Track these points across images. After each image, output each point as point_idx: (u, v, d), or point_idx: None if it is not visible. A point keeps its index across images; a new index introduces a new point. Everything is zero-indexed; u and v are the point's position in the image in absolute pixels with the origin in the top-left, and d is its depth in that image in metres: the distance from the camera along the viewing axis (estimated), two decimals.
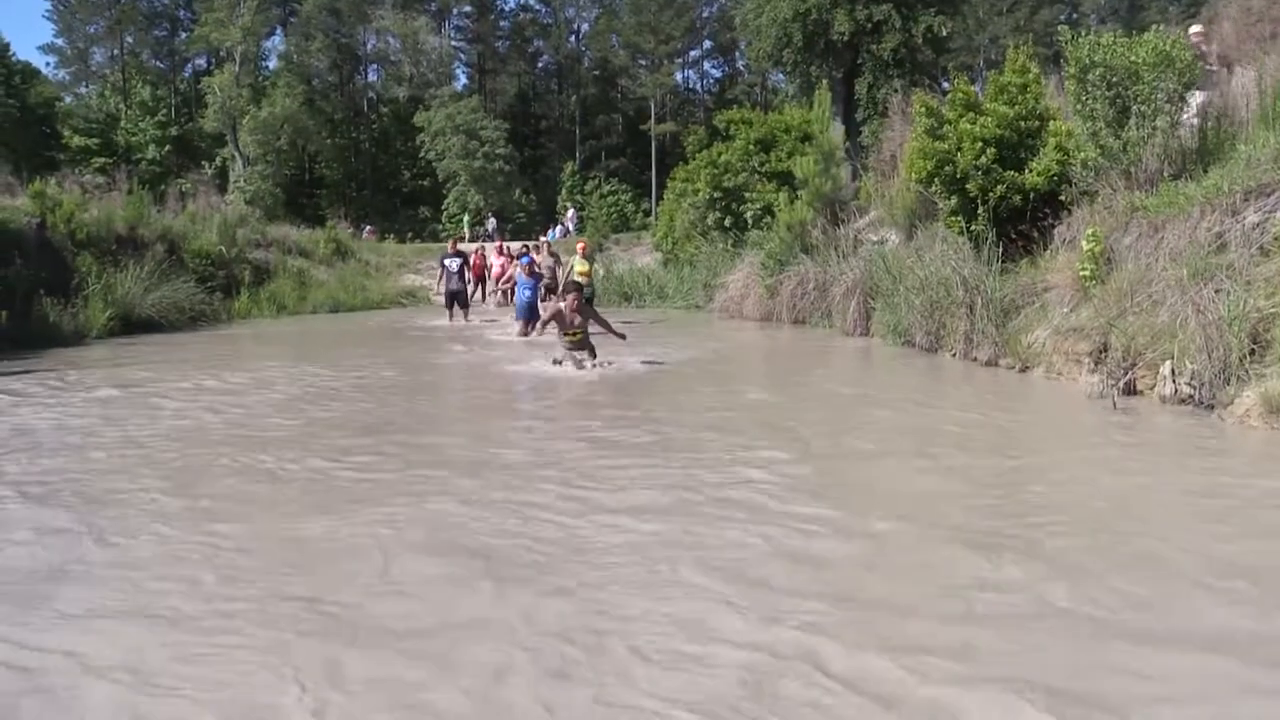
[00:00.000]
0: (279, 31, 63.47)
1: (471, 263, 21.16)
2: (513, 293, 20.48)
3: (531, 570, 3.72)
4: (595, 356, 10.08)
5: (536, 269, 15.38)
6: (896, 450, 5.90)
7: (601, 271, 24.00)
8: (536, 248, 22.60)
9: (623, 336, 10.61)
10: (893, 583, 3.53)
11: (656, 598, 3.38)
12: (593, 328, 10.34)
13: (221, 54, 57.34)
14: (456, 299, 17.99)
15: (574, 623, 3.16)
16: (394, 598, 3.47)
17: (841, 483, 5.16)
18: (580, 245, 17.60)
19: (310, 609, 3.33)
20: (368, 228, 43.73)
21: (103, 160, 49.27)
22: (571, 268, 16.61)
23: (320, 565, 3.84)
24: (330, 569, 3.79)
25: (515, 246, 24.10)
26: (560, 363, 9.91)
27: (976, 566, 3.66)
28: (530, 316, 14.46)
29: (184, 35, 62.40)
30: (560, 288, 16.54)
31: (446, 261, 18.20)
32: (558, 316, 10.03)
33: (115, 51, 62.33)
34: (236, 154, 51.97)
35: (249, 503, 4.82)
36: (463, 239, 33.10)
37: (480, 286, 22.83)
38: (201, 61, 63.65)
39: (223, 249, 20.57)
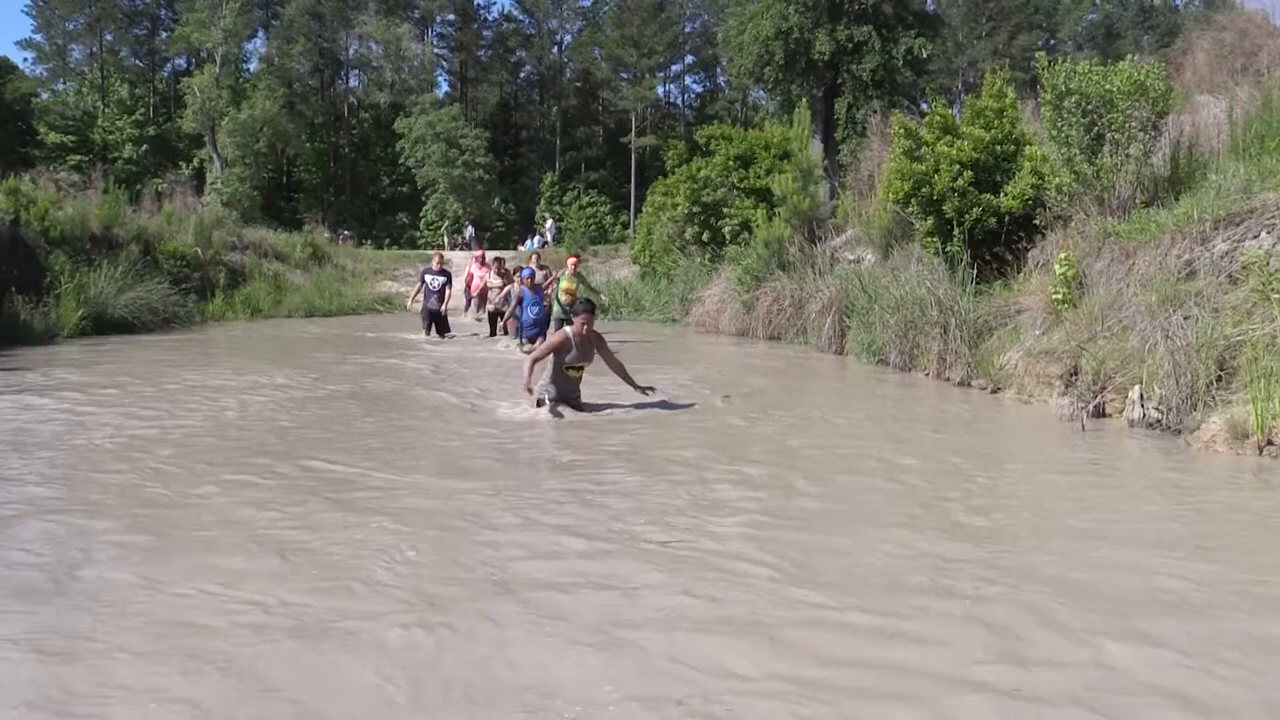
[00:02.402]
0: (260, 34, 63.28)
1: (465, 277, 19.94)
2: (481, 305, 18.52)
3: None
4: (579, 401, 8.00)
5: (539, 283, 14.10)
6: (876, 472, 5.95)
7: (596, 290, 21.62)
8: (505, 260, 20.43)
9: (647, 390, 8.30)
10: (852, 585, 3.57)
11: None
12: (591, 370, 8.26)
13: (202, 55, 57.04)
14: (435, 321, 16.23)
15: None
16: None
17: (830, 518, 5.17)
18: (571, 260, 15.05)
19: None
20: (344, 233, 43.62)
21: (78, 158, 48.88)
22: (556, 285, 14.77)
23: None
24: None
25: (492, 256, 23.42)
26: (544, 404, 7.65)
27: (922, 596, 3.70)
28: (537, 335, 13.10)
29: (164, 35, 61.93)
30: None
31: (428, 278, 16.40)
32: (561, 346, 7.81)
33: (94, 49, 61.81)
34: (214, 155, 51.62)
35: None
36: (442, 247, 32.93)
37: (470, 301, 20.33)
38: (181, 61, 63.28)
39: (198, 251, 20.45)
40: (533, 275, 14.09)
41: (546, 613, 3.37)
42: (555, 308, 14.17)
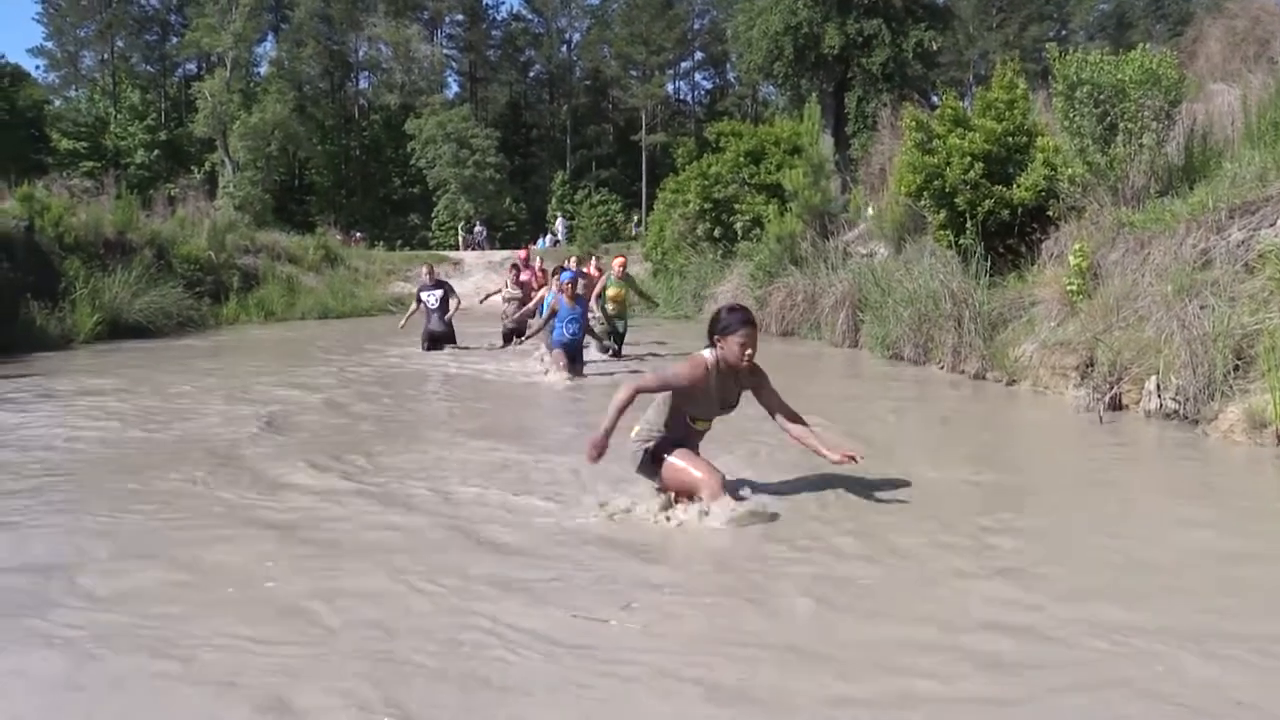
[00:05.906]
0: (270, 37, 63.53)
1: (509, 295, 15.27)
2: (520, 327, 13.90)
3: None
4: None
5: (583, 293, 11.23)
6: (902, 469, 5.92)
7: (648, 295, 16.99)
8: (529, 258, 17.60)
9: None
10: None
11: None
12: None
13: (212, 59, 57.27)
14: (437, 343, 13.61)
15: None
16: None
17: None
18: (618, 260, 13.15)
19: None
20: (356, 234, 43.75)
21: (91, 164, 49.10)
22: (603, 291, 12.59)
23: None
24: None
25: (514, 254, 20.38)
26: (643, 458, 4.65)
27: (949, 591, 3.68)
28: (575, 355, 10.52)
29: (175, 40, 62.23)
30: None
31: (425, 295, 13.89)
32: (695, 383, 4.54)
33: (105, 55, 62.12)
34: (226, 159, 51.79)
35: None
36: (455, 247, 32.86)
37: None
38: (192, 66, 63.57)
39: (211, 254, 20.58)
40: (574, 280, 10.84)
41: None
42: (597, 317, 12.13)
